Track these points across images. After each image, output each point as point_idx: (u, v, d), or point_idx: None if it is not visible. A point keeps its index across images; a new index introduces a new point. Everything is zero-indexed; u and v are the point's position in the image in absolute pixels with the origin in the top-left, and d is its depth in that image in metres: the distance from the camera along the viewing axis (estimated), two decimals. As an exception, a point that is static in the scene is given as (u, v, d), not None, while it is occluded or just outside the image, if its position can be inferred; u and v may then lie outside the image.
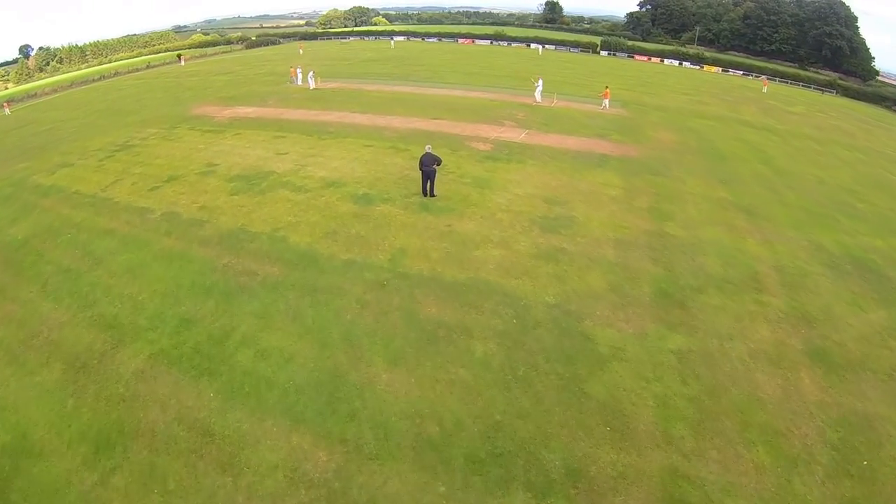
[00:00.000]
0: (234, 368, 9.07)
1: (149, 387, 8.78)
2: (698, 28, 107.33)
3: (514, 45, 77.67)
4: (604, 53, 71.83)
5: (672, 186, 18.47)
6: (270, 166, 19.62)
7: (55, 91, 58.31)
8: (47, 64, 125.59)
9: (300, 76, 39.05)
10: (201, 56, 71.69)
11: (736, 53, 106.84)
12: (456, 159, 20.05)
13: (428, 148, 15.46)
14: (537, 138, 24.19)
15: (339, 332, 9.93)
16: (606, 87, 32.93)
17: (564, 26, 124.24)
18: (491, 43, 79.28)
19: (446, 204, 15.71)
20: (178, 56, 68.01)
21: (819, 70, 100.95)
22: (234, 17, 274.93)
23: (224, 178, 18.68)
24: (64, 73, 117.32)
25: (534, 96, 32.64)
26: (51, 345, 10.15)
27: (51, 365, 9.55)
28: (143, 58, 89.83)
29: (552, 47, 70.67)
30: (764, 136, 29.57)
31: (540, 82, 32.57)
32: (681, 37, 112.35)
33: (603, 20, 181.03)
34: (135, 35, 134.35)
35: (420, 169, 15.65)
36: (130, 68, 67.26)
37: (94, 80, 62.67)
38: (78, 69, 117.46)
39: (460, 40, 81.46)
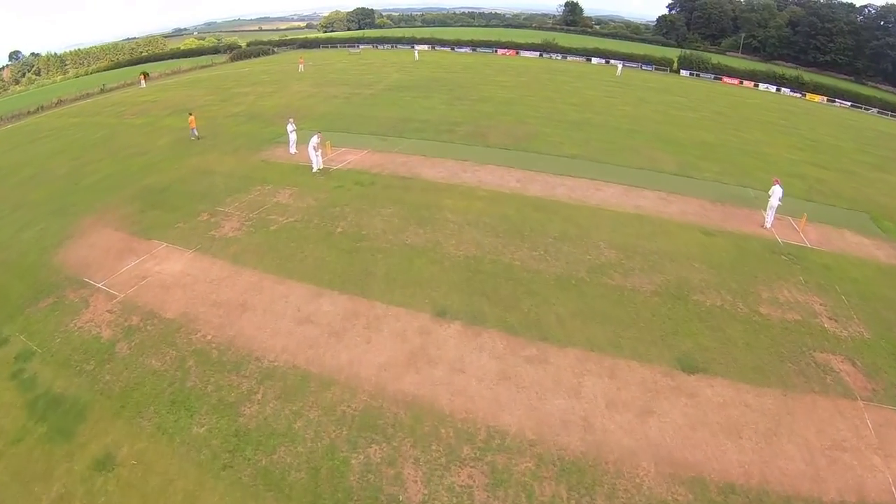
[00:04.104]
0: None
1: None
2: (743, 35, 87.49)
3: (569, 58, 57.25)
4: (684, 73, 52.05)
5: None
6: None
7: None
8: (23, 75, 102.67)
9: (293, 138, 19.48)
10: (173, 73, 50.99)
11: (784, 63, 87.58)
12: None
13: None
14: None
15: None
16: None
17: (588, 29, 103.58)
18: (540, 55, 58.65)
19: None
20: (143, 75, 47.49)
21: (878, 85, 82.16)
22: (234, 20, 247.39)
23: None
24: (39, 85, 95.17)
25: (765, 215, 14.39)
26: None
27: None
28: (101, 74, 69.11)
29: (619, 63, 50.81)
30: None
31: (776, 192, 14.18)
32: (720, 43, 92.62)
33: (609, 20, 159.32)
34: (119, 42, 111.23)
35: None
36: (80, 93, 46.54)
37: (29, 113, 42.09)
38: (53, 81, 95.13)
39: (500, 51, 60.71)
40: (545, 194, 15.59)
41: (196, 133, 23.08)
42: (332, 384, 8.30)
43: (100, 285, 11.60)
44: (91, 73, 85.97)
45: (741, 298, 11.14)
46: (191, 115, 23.56)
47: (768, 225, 14.75)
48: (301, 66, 44.88)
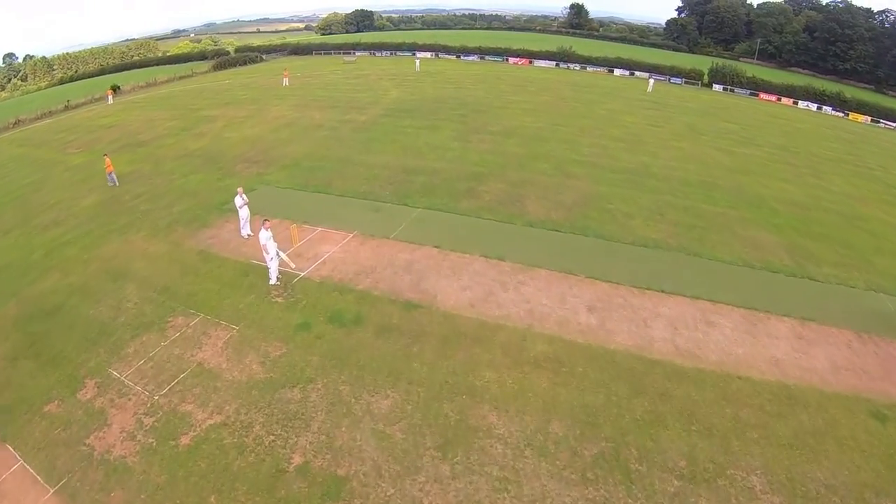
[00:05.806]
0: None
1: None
2: (758, 40, 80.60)
3: (588, 68, 50.27)
4: (717, 87, 45.21)
5: None
6: None
7: None
8: (9, 81, 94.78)
9: (243, 214, 13.04)
10: (148, 86, 44.09)
11: (801, 70, 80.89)
12: None
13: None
14: None
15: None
16: None
17: (595, 32, 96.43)
18: (557, 65, 51.80)
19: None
20: (111, 90, 40.71)
21: (899, 94, 75.41)
22: (233, 21, 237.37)
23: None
24: (24, 92, 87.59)
25: None
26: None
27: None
28: (87, 81, 62.35)
29: (646, 75, 43.96)
30: None
31: None
32: (733, 48, 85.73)
33: (611, 22, 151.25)
34: (111, 45, 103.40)
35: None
36: (41, 112, 39.73)
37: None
38: (38, 87, 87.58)
39: (511, 60, 53.63)
40: (639, 345, 9.18)
41: (115, 178, 17.96)
42: None
43: None
44: (75, 80, 78.49)
45: None
46: (105, 156, 18.34)
47: None
48: (285, 80, 38.01)
